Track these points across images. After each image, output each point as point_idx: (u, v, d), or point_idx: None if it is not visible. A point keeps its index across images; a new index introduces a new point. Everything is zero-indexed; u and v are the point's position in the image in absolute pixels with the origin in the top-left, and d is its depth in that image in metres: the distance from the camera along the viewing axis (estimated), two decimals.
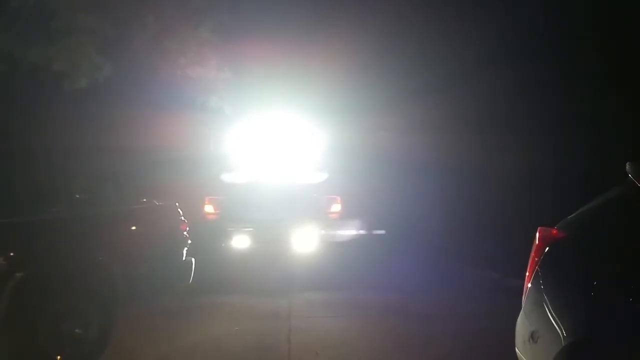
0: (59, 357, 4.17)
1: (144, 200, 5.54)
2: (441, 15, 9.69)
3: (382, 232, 9.07)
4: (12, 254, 4.06)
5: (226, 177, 8.05)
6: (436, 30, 9.72)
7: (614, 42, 8.26)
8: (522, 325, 3.28)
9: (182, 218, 5.64)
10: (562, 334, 2.90)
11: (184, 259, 5.54)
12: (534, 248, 3.30)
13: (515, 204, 8.92)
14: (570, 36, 8.65)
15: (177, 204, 5.71)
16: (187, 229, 5.65)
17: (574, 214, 3.28)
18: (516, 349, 3.34)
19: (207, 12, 8.12)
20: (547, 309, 3.06)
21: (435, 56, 9.89)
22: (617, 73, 8.23)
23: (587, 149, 8.38)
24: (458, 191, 9.53)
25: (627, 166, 3.10)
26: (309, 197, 7.88)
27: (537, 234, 3.31)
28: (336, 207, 7.95)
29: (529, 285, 3.28)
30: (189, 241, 5.63)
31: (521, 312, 3.34)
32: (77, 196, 5.21)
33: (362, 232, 8.48)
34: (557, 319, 2.97)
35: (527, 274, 3.30)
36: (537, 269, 3.22)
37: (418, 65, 9.89)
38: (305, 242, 7.67)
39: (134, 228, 5.15)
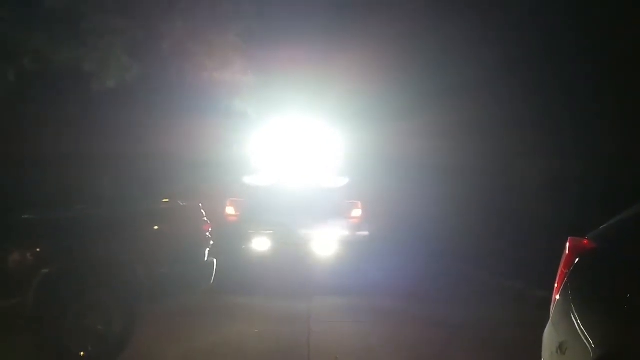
0: (82, 352, 4.23)
1: (168, 200, 5.58)
2: (460, 19, 9.64)
3: (402, 238, 8.99)
4: (38, 249, 4.13)
5: (248, 180, 8.07)
6: (456, 34, 9.67)
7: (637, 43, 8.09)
8: (550, 336, 3.22)
9: (205, 219, 5.65)
10: (591, 346, 2.83)
11: (206, 259, 5.56)
12: (563, 258, 3.24)
13: (540, 211, 8.79)
14: (592, 38, 8.50)
15: (200, 204, 5.73)
16: (210, 229, 5.67)
17: (605, 225, 3.21)
18: None
19: (234, 17, 8.19)
20: (575, 320, 2.99)
21: (455, 60, 9.83)
22: None
23: (614, 155, 8.21)
24: (482, 197, 9.42)
25: None
26: (330, 202, 7.85)
27: (568, 244, 3.25)
28: (357, 212, 7.91)
29: (558, 296, 3.22)
30: (211, 242, 5.65)
31: (549, 323, 3.28)
32: (102, 195, 5.28)
33: (382, 237, 8.42)
34: (586, 331, 2.91)
35: (556, 285, 3.23)
36: (567, 280, 3.15)
37: (439, 69, 9.84)
38: (326, 246, 7.65)
39: (157, 228, 5.18)
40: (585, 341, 2.88)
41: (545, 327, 3.34)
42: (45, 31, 7.16)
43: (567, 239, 3.31)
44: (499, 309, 6.39)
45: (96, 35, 7.35)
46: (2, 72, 7.09)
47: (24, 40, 7.19)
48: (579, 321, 2.97)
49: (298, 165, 8.19)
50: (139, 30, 7.46)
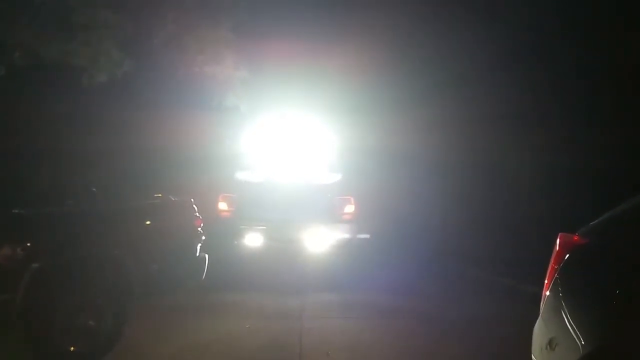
0: (72, 348, 4.21)
1: (160, 195, 5.56)
2: (456, 13, 9.64)
3: (394, 234, 9.01)
4: (28, 244, 4.09)
5: (240, 175, 8.05)
6: (451, 28, 9.67)
7: (633, 37, 8.11)
8: (540, 332, 3.24)
9: (197, 214, 5.64)
10: (581, 342, 2.85)
11: (197, 254, 5.55)
12: (553, 254, 3.25)
13: (531, 206, 8.82)
14: (587, 33, 8.53)
15: (192, 200, 5.72)
16: (202, 225, 5.66)
17: (596, 220, 3.23)
18: (532, 356, 3.30)
19: (226, 11, 8.15)
20: (565, 316, 3.01)
21: (450, 55, 9.84)
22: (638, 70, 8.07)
23: (606, 152, 8.25)
24: (472, 193, 9.45)
25: None
26: (323, 198, 7.85)
27: (558, 240, 3.26)
28: (349, 208, 7.92)
29: (548, 292, 3.24)
30: (203, 237, 5.64)
31: (539, 319, 3.30)
32: (94, 190, 5.25)
33: (375, 233, 8.43)
34: (576, 327, 2.92)
35: (546, 281, 3.25)
36: (557, 276, 3.17)
37: (432, 64, 9.84)
38: (318, 242, 7.65)
39: (149, 223, 5.16)
40: (574, 337, 2.89)
41: (535, 323, 3.36)
42: (35, 26, 7.09)
43: (558, 235, 3.33)
44: (490, 305, 6.43)
45: (87, 30, 7.29)
46: None
47: (13, 35, 7.12)
48: (568, 317, 2.98)
49: (291, 160, 8.17)
50: (130, 25, 7.40)
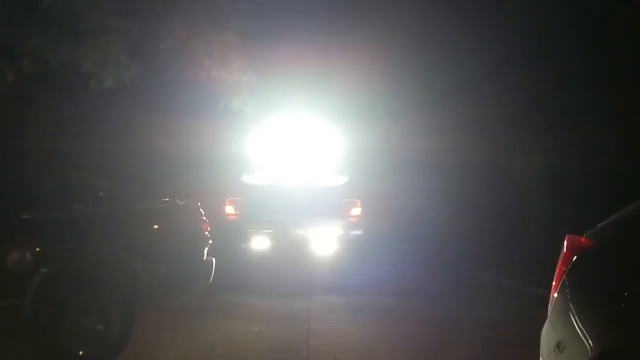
0: (81, 352, 4.23)
1: (167, 199, 5.59)
2: (457, 17, 9.65)
3: (400, 236, 9.01)
4: (37, 249, 4.12)
5: (247, 179, 8.08)
6: (457, 31, 9.68)
7: (636, 39, 8.07)
8: (548, 335, 3.23)
9: (204, 218, 5.66)
10: (590, 344, 2.84)
11: (205, 258, 5.57)
12: (561, 256, 3.24)
13: (538, 209, 8.80)
14: (589, 34, 8.51)
15: (199, 203, 5.74)
16: (209, 228, 5.68)
17: (603, 222, 3.22)
18: (540, 358, 3.29)
19: (232, 16, 8.18)
20: (574, 318, 3.00)
21: (453, 59, 9.84)
22: None
23: (612, 153, 8.22)
24: (479, 195, 9.44)
25: None
26: (330, 200, 7.87)
27: (565, 242, 3.25)
28: (356, 211, 7.93)
29: (555, 294, 3.23)
30: (210, 241, 5.66)
31: (547, 321, 3.29)
32: (101, 194, 5.29)
33: (381, 236, 8.43)
34: (584, 329, 2.91)
35: (554, 283, 3.24)
36: (564, 278, 3.16)
37: (438, 67, 9.86)
38: (325, 244, 7.66)
39: (156, 227, 5.18)
40: (583, 339, 2.88)
41: (543, 325, 3.35)
42: (43, 31, 7.14)
43: (565, 237, 3.32)
44: (498, 307, 6.41)
45: (94, 35, 7.34)
46: (0, 72, 7.08)
47: (22, 40, 7.18)
48: (576, 319, 2.97)
49: (297, 163, 8.20)
50: (137, 30, 7.44)
